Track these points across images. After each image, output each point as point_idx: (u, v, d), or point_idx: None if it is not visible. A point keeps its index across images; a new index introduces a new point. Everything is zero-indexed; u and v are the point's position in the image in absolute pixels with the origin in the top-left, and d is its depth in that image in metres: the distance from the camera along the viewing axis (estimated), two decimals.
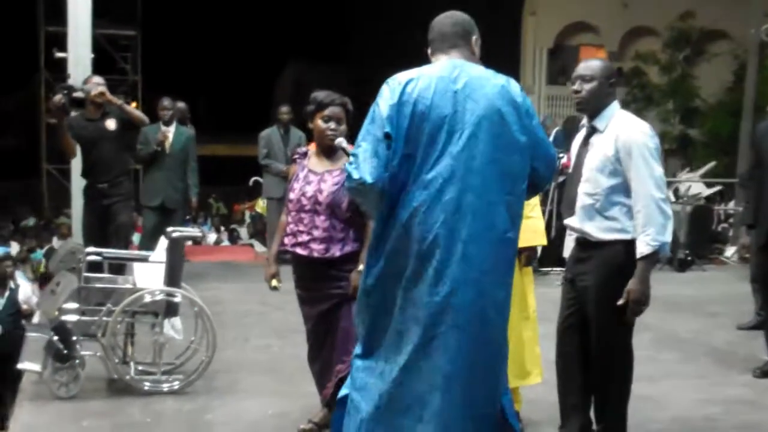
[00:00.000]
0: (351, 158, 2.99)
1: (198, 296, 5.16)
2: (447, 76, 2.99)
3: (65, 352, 4.66)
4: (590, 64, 3.74)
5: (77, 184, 7.83)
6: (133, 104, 13.06)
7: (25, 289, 8.52)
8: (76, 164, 7.55)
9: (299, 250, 4.08)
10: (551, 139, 9.69)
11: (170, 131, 8.37)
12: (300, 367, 4.58)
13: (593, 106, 3.71)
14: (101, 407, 4.59)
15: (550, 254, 8.99)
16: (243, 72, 30.81)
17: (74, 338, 4.71)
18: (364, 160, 2.91)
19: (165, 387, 4.85)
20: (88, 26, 9.05)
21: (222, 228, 16.51)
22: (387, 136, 2.92)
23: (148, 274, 5.07)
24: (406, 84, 2.97)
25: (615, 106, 3.71)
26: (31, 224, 15.30)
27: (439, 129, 2.92)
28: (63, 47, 9.71)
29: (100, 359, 4.82)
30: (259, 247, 13.10)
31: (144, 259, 5.34)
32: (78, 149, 6.98)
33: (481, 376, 2.95)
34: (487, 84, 3.00)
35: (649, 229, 3.47)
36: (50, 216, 18.13)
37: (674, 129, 20.37)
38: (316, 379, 4.26)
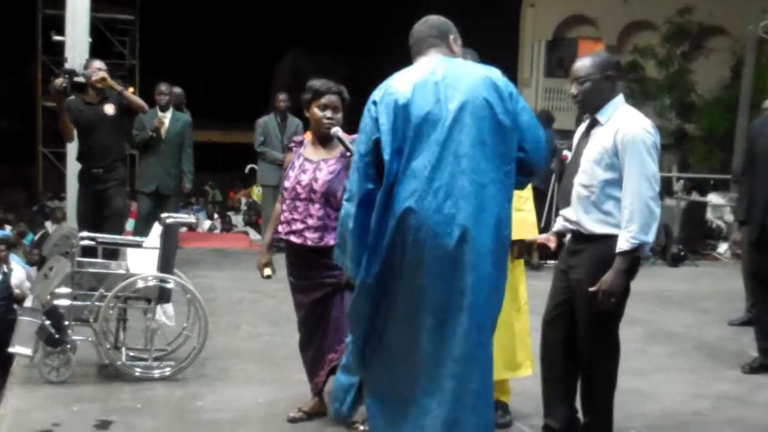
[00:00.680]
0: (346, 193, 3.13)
1: (191, 283, 5.17)
2: (426, 71, 3.10)
3: (57, 336, 4.66)
4: (582, 64, 3.72)
5: (72, 168, 7.81)
6: (131, 89, 13.03)
7: (18, 274, 8.50)
8: (72, 148, 7.53)
9: (293, 238, 4.09)
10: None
11: (166, 117, 8.37)
12: (291, 355, 4.59)
13: (593, 104, 3.71)
14: (92, 392, 4.60)
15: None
16: (241, 58, 30.70)
17: (66, 323, 4.72)
18: (353, 189, 3.07)
19: (156, 373, 4.85)
20: (86, 10, 9.02)
21: (216, 215, 16.48)
22: (375, 142, 3.02)
23: (142, 260, 5.07)
24: (387, 87, 3.08)
25: (618, 100, 3.71)
26: (54, 205, 15.19)
27: (424, 120, 3.01)
28: (61, 31, 9.66)
29: (91, 344, 4.82)
30: (254, 235, 13.08)
31: (138, 245, 5.34)
32: (75, 133, 6.98)
33: (483, 359, 3.02)
34: (468, 73, 3.10)
35: (632, 226, 3.48)
36: (44, 201, 18.08)
37: (671, 124, 20.35)
38: (307, 368, 4.28)
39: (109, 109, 6.83)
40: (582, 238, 3.70)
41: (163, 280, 4.87)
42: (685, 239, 10.69)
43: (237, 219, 16.41)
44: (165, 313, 5.01)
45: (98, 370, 4.91)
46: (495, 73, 3.14)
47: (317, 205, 4.06)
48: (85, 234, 5.26)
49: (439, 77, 3.06)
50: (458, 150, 2.99)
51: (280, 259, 4.28)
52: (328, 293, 4.10)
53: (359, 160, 3.08)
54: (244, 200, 18.30)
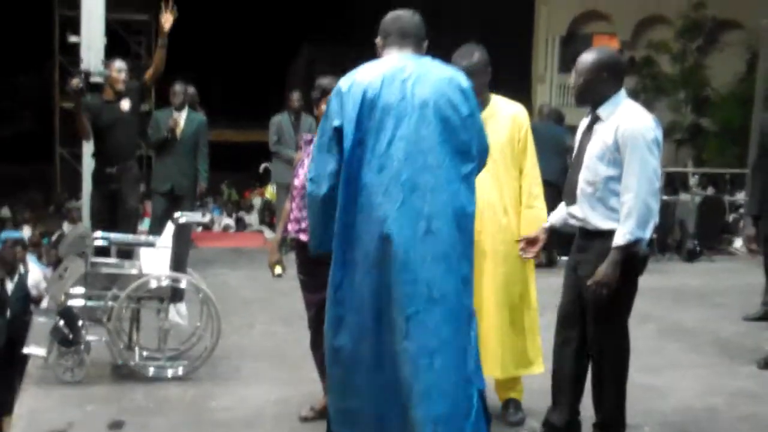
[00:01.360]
0: (311, 164, 3.21)
1: (204, 282, 5.19)
2: (396, 66, 3.17)
3: (71, 336, 4.70)
4: (583, 59, 3.73)
5: (88, 168, 7.87)
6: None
7: (35, 275, 8.56)
8: (88, 148, 7.58)
9: (303, 237, 4.09)
10: None
11: (182, 117, 8.39)
12: (304, 354, 4.59)
13: (588, 100, 3.73)
14: (105, 392, 4.63)
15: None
16: (255, 56, 30.79)
17: (80, 323, 4.75)
18: (321, 168, 3.14)
19: (169, 373, 4.89)
20: (101, 11, 9.07)
21: (234, 214, 16.55)
22: (337, 129, 3.09)
23: (155, 260, 5.10)
24: (356, 77, 3.15)
25: (620, 96, 3.70)
26: (71, 206, 15.29)
27: (388, 114, 3.08)
28: (77, 31, 9.74)
29: (105, 344, 4.85)
30: (269, 234, 13.13)
31: (151, 244, 5.37)
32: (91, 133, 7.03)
33: (455, 348, 3.06)
34: (435, 72, 3.19)
35: (629, 222, 3.50)
36: (61, 200, 18.21)
37: (685, 119, 20.26)
38: (319, 367, 4.29)
39: (125, 104, 6.90)
40: (589, 234, 3.71)
41: (175, 280, 4.90)
42: (701, 235, 10.61)
43: (250, 218, 16.46)
44: (178, 313, 5.04)
45: (112, 371, 4.94)
46: (460, 75, 3.25)
47: None
48: (98, 234, 5.29)
49: (407, 74, 3.14)
50: (424, 146, 3.07)
51: (292, 257, 4.29)
52: None
53: (327, 142, 3.14)
54: (260, 199, 18.35)
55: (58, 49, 20.85)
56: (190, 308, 5.18)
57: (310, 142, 4.29)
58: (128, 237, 5.72)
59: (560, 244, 7.99)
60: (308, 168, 3.31)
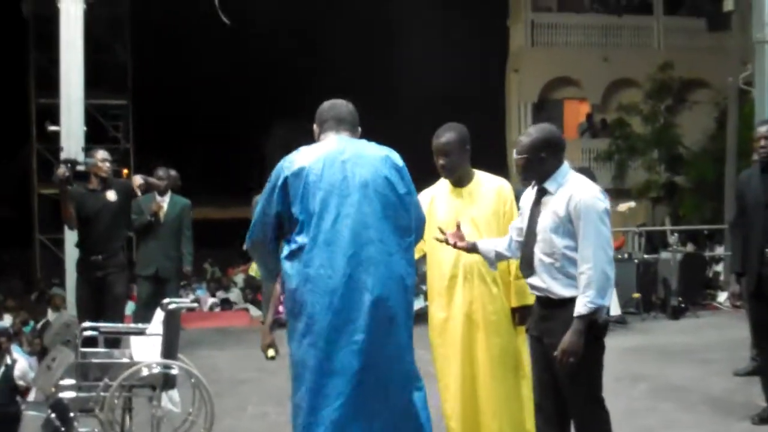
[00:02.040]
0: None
1: (194, 365, 5.16)
2: (335, 149, 3.45)
3: (63, 429, 4.63)
4: (521, 140, 3.88)
5: (71, 255, 7.84)
6: (125, 172, 13.16)
7: (22, 365, 8.46)
8: (71, 235, 7.57)
9: None
10: None
11: (165, 201, 8.44)
12: None
13: (533, 177, 3.87)
14: None
15: None
16: (233, 134, 31.01)
17: (72, 415, 4.69)
18: (254, 226, 3.50)
19: None
20: (80, 99, 9.19)
21: (215, 293, 16.47)
22: (277, 214, 3.40)
23: (145, 347, 5.06)
24: (298, 159, 3.41)
25: (564, 170, 3.84)
26: (53, 293, 15.14)
27: (331, 194, 3.34)
28: (55, 119, 9.81)
29: None
30: (254, 311, 13.07)
31: (141, 332, 5.34)
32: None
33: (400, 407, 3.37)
34: (371, 153, 3.48)
35: (589, 291, 3.61)
36: (43, 287, 18.05)
37: (660, 177, 20.56)
38: None
39: (111, 195, 6.91)
40: (552, 303, 3.80)
41: (167, 367, 4.87)
42: (684, 291, 10.69)
43: (234, 296, 16.38)
44: (170, 399, 4.99)
45: None
46: (394, 154, 3.52)
47: None
48: (87, 324, 5.26)
49: (347, 156, 3.42)
50: (367, 222, 3.34)
51: (283, 336, 4.29)
52: None
53: (265, 216, 3.45)
54: (242, 276, 18.29)
55: (36, 136, 20.93)
56: (181, 393, 5.13)
57: None
58: (118, 326, 5.69)
59: None
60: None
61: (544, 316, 3.86)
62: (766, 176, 5.49)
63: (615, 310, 9.24)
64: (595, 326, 3.67)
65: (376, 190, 3.37)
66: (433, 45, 23.41)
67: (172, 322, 5.00)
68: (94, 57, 15.74)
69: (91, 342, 5.21)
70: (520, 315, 4.26)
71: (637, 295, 10.44)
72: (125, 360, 5.01)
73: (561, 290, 3.75)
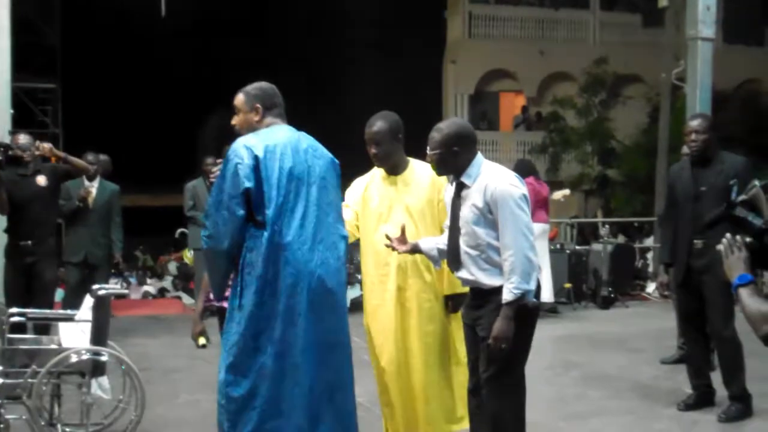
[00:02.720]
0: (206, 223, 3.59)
1: (125, 353, 5.07)
2: (295, 138, 3.67)
3: None
4: (433, 136, 3.89)
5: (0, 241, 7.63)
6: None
7: None
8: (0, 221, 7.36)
9: (225, 305, 4.06)
10: None
11: (94, 186, 8.25)
12: None
13: (448, 170, 3.92)
14: None
15: None
16: (166, 121, 30.54)
17: None
18: (221, 225, 3.51)
19: None
20: (7, 82, 8.91)
21: (149, 280, 16.18)
22: (247, 190, 3.44)
23: (74, 333, 4.96)
24: (265, 144, 3.53)
25: (477, 162, 3.87)
26: None
27: (301, 181, 3.58)
28: None
29: (25, 422, 4.67)
30: (186, 299, 12.89)
31: (70, 318, 5.23)
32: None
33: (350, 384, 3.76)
34: (318, 147, 3.77)
35: (514, 278, 3.66)
36: None
37: (593, 170, 20.94)
38: None
39: (42, 180, 6.75)
40: (482, 293, 3.85)
41: (96, 353, 4.77)
42: (614, 281, 10.92)
43: (166, 284, 16.12)
44: (100, 386, 4.89)
45: None
46: (332, 156, 3.82)
47: None
48: (15, 310, 5.13)
49: (305, 147, 3.67)
50: (325, 209, 3.64)
51: (214, 324, 4.25)
52: None
53: (228, 200, 3.48)
54: (174, 264, 18.01)
55: None
56: (112, 380, 5.04)
57: None
58: (46, 312, 5.55)
59: None
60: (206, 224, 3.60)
61: (475, 306, 3.91)
62: (695, 170, 5.62)
63: (548, 297, 9.37)
64: (525, 310, 3.71)
65: (329, 180, 3.70)
66: (371, 35, 23.39)
67: (102, 308, 4.90)
68: (22, 39, 15.28)
69: (19, 328, 5.08)
70: (453, 303, 4.28)
71: (568, 285, 10.63)
72: (53, 346, 4.89)
73: (489, 280, 3.80)
